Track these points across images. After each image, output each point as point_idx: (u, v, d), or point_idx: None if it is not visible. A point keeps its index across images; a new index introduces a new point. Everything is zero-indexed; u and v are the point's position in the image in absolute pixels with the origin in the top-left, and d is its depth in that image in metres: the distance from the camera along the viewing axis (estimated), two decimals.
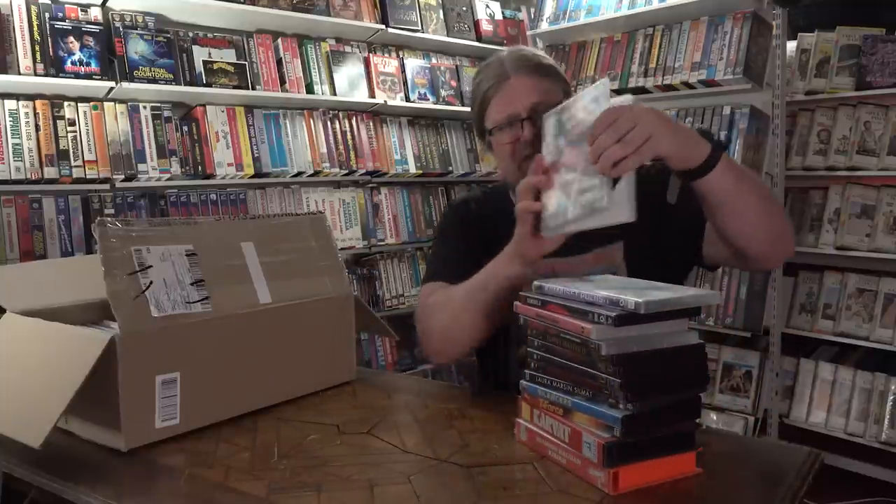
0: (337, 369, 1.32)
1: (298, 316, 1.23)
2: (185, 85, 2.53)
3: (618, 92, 3.03)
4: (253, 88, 2.68)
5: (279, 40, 2.82)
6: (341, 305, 1.32)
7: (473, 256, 1.22)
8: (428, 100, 3.20)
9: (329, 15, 2.86)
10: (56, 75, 2.23)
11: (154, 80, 2.43)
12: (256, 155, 2.70)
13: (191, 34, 2.61)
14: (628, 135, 0.90)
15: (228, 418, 1.11)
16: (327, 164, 2.90)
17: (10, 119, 2.20)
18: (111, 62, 2.38)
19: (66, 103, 2.31)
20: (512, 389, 1.17)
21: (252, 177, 2.70)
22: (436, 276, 1.31)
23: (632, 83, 2.97)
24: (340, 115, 2.98)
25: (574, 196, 0.96)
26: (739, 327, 2.80)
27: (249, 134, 2.70)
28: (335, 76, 2.93)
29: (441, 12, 3.29)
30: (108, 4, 2.40)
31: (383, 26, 3.03)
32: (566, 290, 0.90)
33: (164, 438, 1.02)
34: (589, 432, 0.84)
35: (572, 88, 1.37)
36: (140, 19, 2.47)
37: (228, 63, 2.62)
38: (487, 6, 3.49)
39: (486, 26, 3.44)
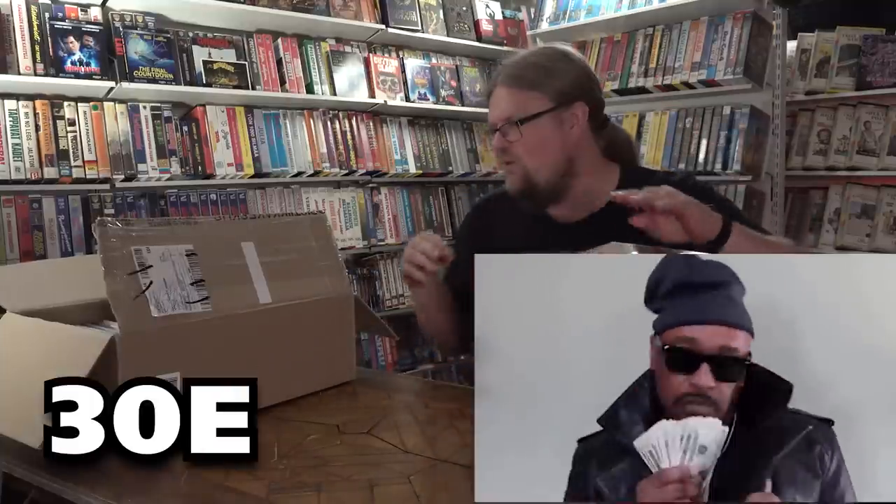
0: (337, 369, 1.32)
1: (298, 316, 1.23)
2: (185, 85, 2.52)
3: (619, 93, 3.03)
4: (253, 88, 2.68)
5: (279, 40, 2.82)
6: (341, 305, 1.32)
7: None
8: (428, 100, 3.20)
9: (329, 15, 2.86)
10: (56, 75, 2.23)
11: (154, 80, 2.42)
12: (256, 155, 2.70)
13: (191, 34, 2.61)
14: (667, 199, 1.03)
15: None
16: (327, 164, 2.90)
17: (10, 119, 2.19)
18: (111, 62, 2.37)
19: (65, 103, 2.30)
20: None
21: (252, 177, 2.70)
22: (445, 277, 1.40)
23: (632, 83, 2.97)
24: (340, 115, 2.98)
25: None
26: None
27: (249, 134, 2.70)
28: (335, 76, 2.93)
29: (441, 12, 3.29)
30: (108, 4, 2.39)
31: (383, 26, 3.03)
32: None
33: None
34: None
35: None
36: (140, 19, 2.47)
37: (228, 63, 2.62)
38: (487, 6, 3.49)
39: (486, 26, 3.44)
